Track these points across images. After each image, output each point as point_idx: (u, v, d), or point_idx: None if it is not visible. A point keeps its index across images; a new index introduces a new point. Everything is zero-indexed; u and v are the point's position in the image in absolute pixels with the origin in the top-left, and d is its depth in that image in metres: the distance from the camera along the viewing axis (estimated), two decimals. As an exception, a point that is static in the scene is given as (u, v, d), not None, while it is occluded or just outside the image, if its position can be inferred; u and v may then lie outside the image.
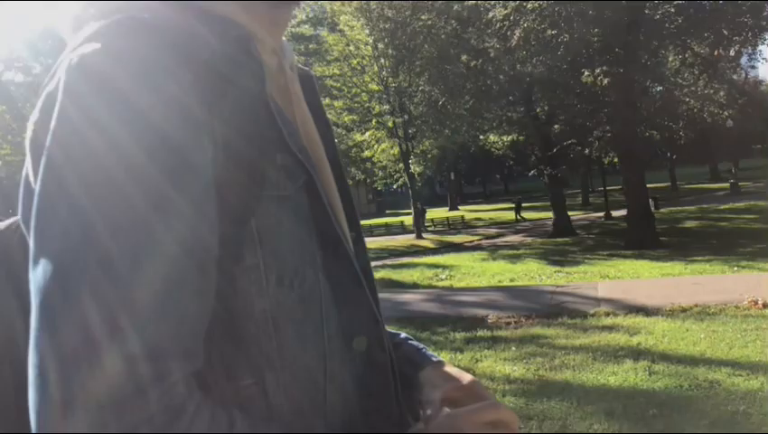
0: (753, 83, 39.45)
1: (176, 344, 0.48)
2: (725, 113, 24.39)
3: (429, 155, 28.12)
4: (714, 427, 4.31)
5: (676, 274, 11.45)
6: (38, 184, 0.48)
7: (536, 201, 40.02)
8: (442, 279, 14.10)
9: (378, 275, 11.78)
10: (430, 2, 22.23)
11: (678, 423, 4.45)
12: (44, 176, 0.48)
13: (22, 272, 0.55)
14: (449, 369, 0.80)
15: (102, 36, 0.53)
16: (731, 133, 33.03)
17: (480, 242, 25.48)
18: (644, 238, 17.53)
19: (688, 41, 18.07)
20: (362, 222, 0.83)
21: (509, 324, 8.21)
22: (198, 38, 0.58)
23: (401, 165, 27.20)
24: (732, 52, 20.23)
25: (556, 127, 22.93)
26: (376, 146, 26.82)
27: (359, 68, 25.55)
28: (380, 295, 0.76)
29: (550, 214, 25.98)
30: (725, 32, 17.44)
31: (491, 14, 18.25)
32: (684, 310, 7.79)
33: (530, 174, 27.44)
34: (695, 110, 22.76)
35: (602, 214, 29.06)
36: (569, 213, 25.39)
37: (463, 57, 22.96)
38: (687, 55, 19.00)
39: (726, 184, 39.30)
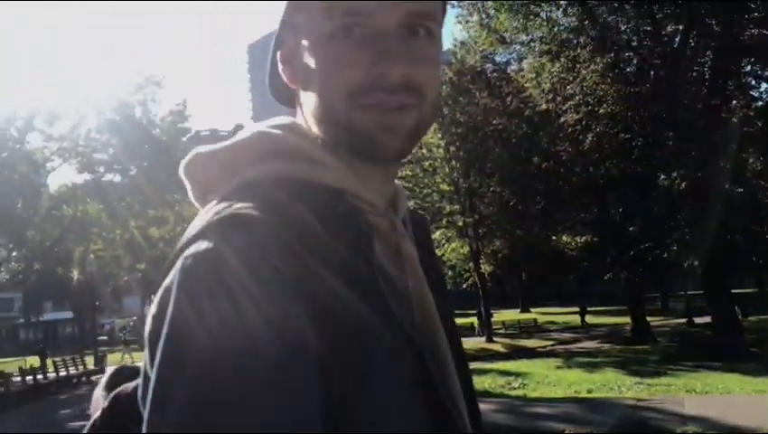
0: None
1: None
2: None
3: (500, 255, 27.90)
4: None
5: (772, 392, 10.58)
6: (154, 372, 0.52)
7: (611, 304, 38.47)
8: (515, 388, 13.54)
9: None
10: (502, 108, 22.87)
11: None
12: (159, 368, 0.52)
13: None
14: None
15: (212, 235, 0.56)
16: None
17: (554, 348, 24.51)
18: (732, 348, 16.42)
19: (770, 144, 17.64)
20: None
21: (588, 441, 7.74)
22: (304, 226, 0.60)
23: (471, 264, 27.05)
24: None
25: (631, 229, 22.40)
26: (446, 245, 26.90)
27: (430, 169, 26.18)
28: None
29: (627, 319, 24.86)
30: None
31: (562, 119, 18.52)
32: (785, 435, 7.15)
33: (606, 277, 26.59)
34: (781, 214, 21.79)
35: (683, 320, 27.55)
36: (648, 319, 24.23)
37: (535, 159, 23.23)
38: (769, 158, 18.48)
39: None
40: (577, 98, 17.72)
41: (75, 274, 34.13)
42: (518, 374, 15.47)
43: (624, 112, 17.09)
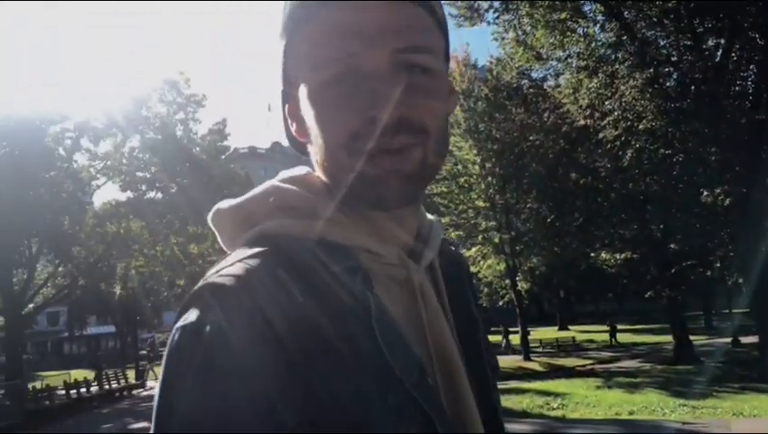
0: None
1: None
2: None
3: (537, 272, 27.58)
4: None
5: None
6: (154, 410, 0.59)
7: (652, 323, 37.55)
8: (554, 408, 13.33)
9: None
10: (538, 123, 22.75)
11: None
12: (153, 422, 0.58)
13: None
14: None
15: (197, 305, 0.60)
16: None
17: (593, 367, 24.03)
18: (781, 369, 15.88)
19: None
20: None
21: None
22: (287, 294, 0.60)
23: (507, 281, 26.79)
24: None
25: (673, 246, 21.92)
26: (482, 262, 26.72)
27: (466, 185, 26.11)
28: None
29: (669, 338, 24.25)
30: None
31: (601, 135, 18.31)
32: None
33: (647, 295, 26.01)
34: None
35: (729, 340, 26.71)
36: (691, 338, 23.58)
37: (573, 175, 22.98)
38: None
39: None
40: (616, 113, 17.50)
41: (117, 289, 34.95)
42: (556, 394, 15.22)
43: (665, 128, 16.80)
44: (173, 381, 0.56)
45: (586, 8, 18.96)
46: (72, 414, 18.98)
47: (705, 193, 17.99)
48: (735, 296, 31.93)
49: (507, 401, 14.58)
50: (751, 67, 17.47)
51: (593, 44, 18.50)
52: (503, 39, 20.89)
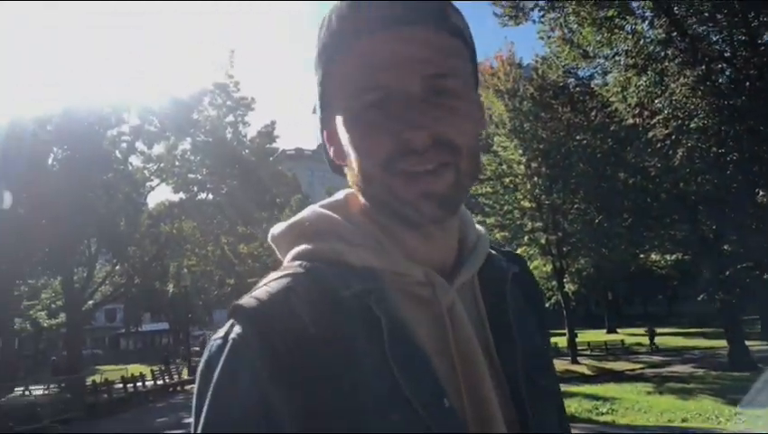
0: None
1: None
2: None
3: (584, 274, 27.14)
4: None
5: None
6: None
7: (705, 326, 36.41)
8: (602, 413, 13.14)
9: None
10: (585, 123, 22.40)
11: None
12: (193, 411, 0.67)
13: None
14: None
15: (229, 323, 0.68)
16: None
17: (643, 371, 23.52)
18: None
19: None
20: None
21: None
22: (300, 319, 0.66)
23: (554, 283, 26.46)
24: None
25: (726, 247, 21.28)
26: (528, 263, 26.44)
27: (511, 186, 25.91)
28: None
29: (723, 343, 23.52)
30: None
31: (650, 134, 17.93)
32: None
33: (700, 298, 25.28)
34: None
35: (789, 345, 25.68)
36: (746, 343, 22.81)
37: (621, 175, 22.55)
38: None
39: None
40: (666, 112, 17.09)
41: (170, 288, 36.05)
42: (605, 398, 14.99)
43: (718, 126, 16.33)
44: (202, 388, 0.65)
45: (635, 5, 18.55)
46: (129, 408, 19.71)
47: (761, 192, 17.43)
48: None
49: (553, 404, 14.42)
50: (810, 62, 16.81)
51: (641, 42, 18.10)
52: (549, 37, 20.66)
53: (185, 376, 27.29)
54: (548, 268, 25.99)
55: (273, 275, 0.72)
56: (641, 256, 26.68)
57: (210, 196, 27.09)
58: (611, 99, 19.77)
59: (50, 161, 22.82)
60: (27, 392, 23.85)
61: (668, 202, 21.17)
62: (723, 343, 23.93)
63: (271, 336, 0.64)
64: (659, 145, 18.00)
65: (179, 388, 25.20)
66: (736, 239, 20.12)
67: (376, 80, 0.69)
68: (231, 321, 0.68)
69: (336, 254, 0.72)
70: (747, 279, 21.87)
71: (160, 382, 24.22)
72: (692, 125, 16.64)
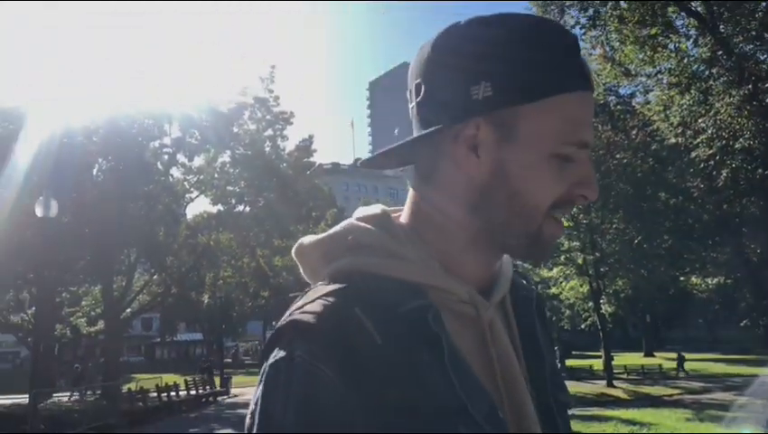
0: None
1: None
2: None
3: (622, 295, 26.60)
4: None
5: None
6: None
7: (748, 353, 35.23)
8: (640, 438, 12.80)
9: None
10: (626, 141, 22.07)
11: None
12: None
13: None
14: None
15: (283, 342, 0.68)
16: None
17: (681, 397, 22.82)
18: None
19: None
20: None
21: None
22: (360, 332, 0.66)
23: (591, 303, 25.99)
24: None
25: (772, 272, 20.63)
26: (564, 283, 26.07)
27: (548, 204, 25.59)
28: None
29: (767, 371, 22.69)
30: None
31: (693, 154, 17.58)
32: None
33: (742, 323, 24.53)
34: None
35: (839, 375, 24.61)
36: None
37: (662, 195, 22.13)
38: None
39: None
40: (710, 131, 16.74)
41: (206, 298, 36.55)
42: (642, 423, 14.59)
43: (764, 147, 15.93)
44: (273, 413, 0.64)
45: (679, 23, 18.31)
46: (162, 417, 19.95)
47: (809, 216, 16.91)
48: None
49: (589, 428, 14.13)
50: None
51: (685, 60, 17.83)
52: (590, 55, 20.47)
53: (218, 387, 27.54)
54: (585, 288, 25.56)
55: (321, 289, 0.71)
56: (682, 278, 26.07)
57: (248, 209, 27.47)
58: (652, 118, 19.47)
59: (95, 171, 23.47)
60: (67, 398, 24.39)
61: (710, 224, 20.67)
62: (766, 370, 23.09)
63: (342, 351, 0.64)
64: (702, 165, 17.63)
65: (211, 398, 25.43)
66: (782, 263, 19.53)
67: (581, 136, 0.72)
68: (288, 338, 0.67)
69: (383, 268, 0.73)
70: (794, 306, 21.17)
71: (193, 392, 24.48)
72: (737, 145, 16.26)
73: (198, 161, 25.89)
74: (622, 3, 18.06)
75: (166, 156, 24.62)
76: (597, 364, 28.66)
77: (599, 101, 23.39)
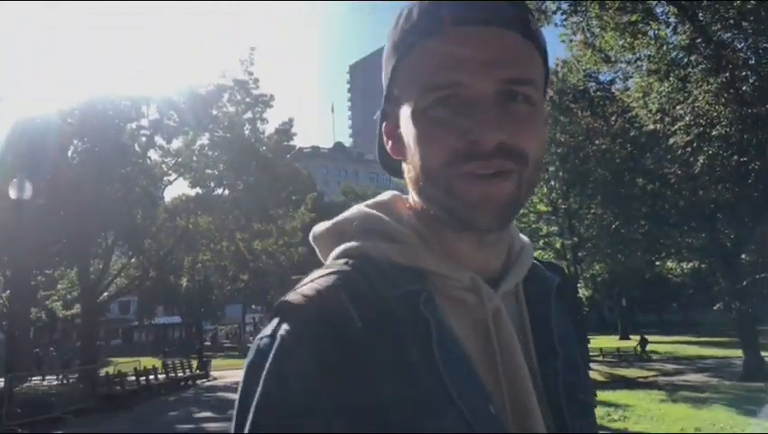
0: None
1: None
2: None
3: (599, 279, 26.98)
4: None
5: None
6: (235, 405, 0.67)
7: (721, 335, 36.03)
8: (615, 420, 13.03)
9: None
10: (605, 127, 22.23)
11: None
12: (236, 409, 0.66)
13: None
14: None
15: (275, 319, 0.68)
16: None
17: (656, 379, 23.30)
18: None
19: None
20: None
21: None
22: (345, 317, 0.65)
23: (568, 287, 26.30)
24: None
25: (744, 257, 21.04)
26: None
27: (528, 189, 25.74)
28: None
29: (739, 353, 23.23)
30: None
31: (671, 141, 17.78)
32: None
33: (716, 307, 25.04)
34: None
35: (806, 358, 25.31)
36: (762, 354, 22.53)
37: (639, 180, 22.37)
38: None
39: None
40: (688, 118, 16.94)
41: (184, 282, 36.28)
42: (617, 405, 14.87)
43: (740, 134, 16.17)
44: (249, 387, 0.64)
45: (659, 10, 18.40)
46: (140, 400, 19.85)
47: (782, 202, 17.23)
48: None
49: (565, 409, 14.32)
50: (836, 71, 16.59)
51: (664, 47, 17.96)
52: (571, 41, 20.51)
53: (196, 370, 27.46)
54: (563, 272, 25.84)
55: (318, 272, 0.71)
56: (658, 263, 26.45)
57: (227, 192, 27.24)
58: (632, 105, 19.64)
59: (70, 153, 23.06)
60: (43, 382, 24.14)
61: (686, 210, 20.96)
62: (738, 352, 23.65)
63: (320, 333, 0.64)
64: (679, 152, 17.86)
65: (190, 382, 25.37)
66: (755, 248, 19.91)
67: (451, 77, 0.67)
68: (278, 318, 0.67)
69: (383, 253, 0.72)
70: (765, 290, 21.62)
71: (172, 376, 24.39)
72: (714, 132, 16.48)
73: (176, 143, 25.58)
74: (603, -11, 18.09)
75: (144, 138, 24.26)
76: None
77: (579, 87, 23.52)
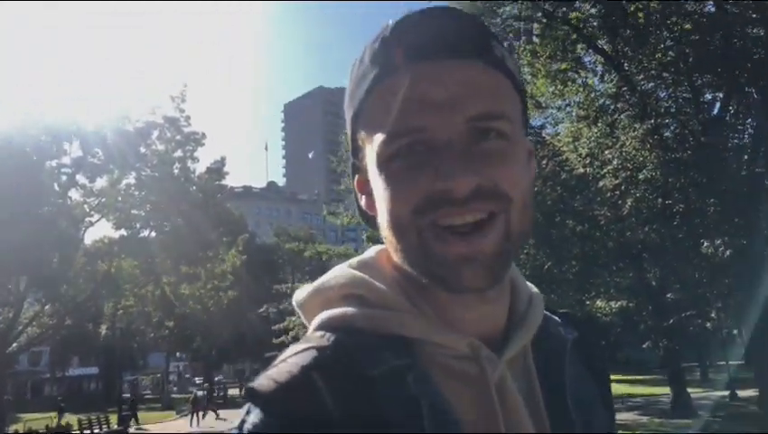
0: None
1: None
2: None
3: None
4: None
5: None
6: None
7: (647, 373, 37.23)
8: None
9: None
10: (538, 171, 22.86)
11: None
12: None
13: None
14: None
15: (247, 409, 0.62)
16: None
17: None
18: (784, 425, 15.68)
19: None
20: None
21: None
22: (319, 401, 0.59)
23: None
24: None
25: (670, 296, 21.87)
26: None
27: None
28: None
29: (665, 390, 23.98)
30: None
31: (600, 184, 18.44)
32: None
33: (645, 345, 25.90)
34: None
35: (726, 393, 26.43)
36: (688, 390, 23.34)
37: (570, 222, 23.02)
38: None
39: None
40: (615, 162, 17.66)
41: (103, 329, 34.23)
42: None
43: (664, 178, 16.97)
44: None
45: (587, 59, 19.39)
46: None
47: (705, 243, 18.09)
48: (729, 347, 31.80)
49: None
50: (748, 121, 17.82)
51: (593, 94, 18.83)
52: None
53: (114, 426, 25.66)
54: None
55: (293, 348, 0.64)
56: (588, 302, 27.21)
57: (153, 234, 26.09)
58: (562, 149, 20.34)
59: (-20, 192, 21.46)
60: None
61: (614, 251, 21.73)
62: (665, 390, 24.39)
63: (288, 423, 0.58)
64: (608, 194, 18.51)
65: (109, 438, 23.66)
66: (679, 288, 20.76)
67: (413, 122, 0.61)
68: (247, 406, 0.61)
69: (366, 322, 0.65)
70: (690, 327, 22.55)
71: (87, 433, 22.68)
72: (640, 176, 17.22)
73: (100, 182, 24.37)
74: (534, 38, 18.89)
75: (64, 177, 22.97)
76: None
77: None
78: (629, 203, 17.87)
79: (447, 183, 0.59)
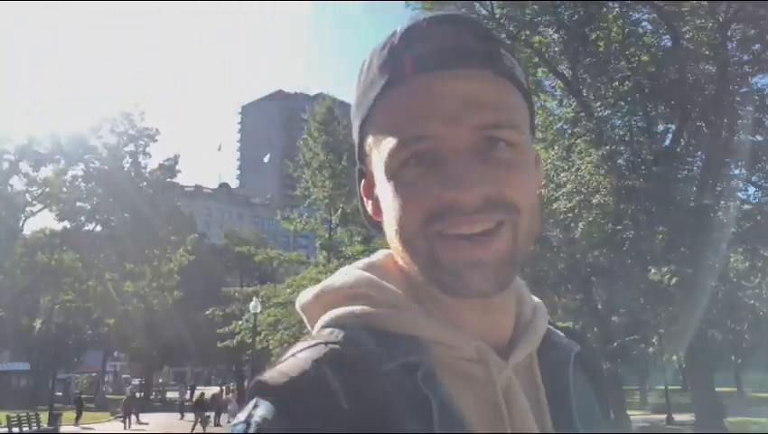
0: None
1: None
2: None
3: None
4: None
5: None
6: None
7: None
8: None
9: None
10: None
11: None
12: None
13: None
14: None
15: (253, 402, 0.60)
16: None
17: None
18: (716, 450, 16.15)
19: (758, 246, 17.95)
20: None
21: None
22: (329, 396, 0.57)
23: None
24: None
25: (615, 319, 22.32)
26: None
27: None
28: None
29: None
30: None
31: (554, 206, 18.71)
32: None
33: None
34: (760, 313, 22.05)
35: (663, 416, 27.14)
36: (627, 413, 23.83)
37: (521, 242, 23.35)
38: (755, 260, 18.77)
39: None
40: (570, 186, 17.96)
41: (38, 324, 32.80)
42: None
43: (616, 204, 17.33)
44: None
45: (546, 83, 19.70)
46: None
47: (653, 270, 18.54)
48: (668, 372, 32.71)
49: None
50: (698, 154, 18.39)
51: (551, 118, 19.13)
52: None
53: (44, 424, 24.55)
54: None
55: (301, 344, 0.64)
56: (534, 322, 27.60)
57: (99, 228, 25.19)
58: (519, 169, 20.58)
59: None
60: None
61: (564, 272, 22.04)
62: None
63: (299, 418, 0.57)
64: (561, 217, 18.77)
65: (37, 439, 22.59)
66: (624, 312, 21.20)
67: (422, 131, 0.62)
68: (254, 400, 0.60)
69: (376, 320, 0.65)
70: (634, 351, 23.05)
71: (15, 431, 21.63)
72: (594, 201, 17.55)
73: (45, 172, 23.38)
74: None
75: (6, 164, 21.97)
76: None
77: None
78: (581, 227, 18.17)
79: (456, 193, 0.60)
